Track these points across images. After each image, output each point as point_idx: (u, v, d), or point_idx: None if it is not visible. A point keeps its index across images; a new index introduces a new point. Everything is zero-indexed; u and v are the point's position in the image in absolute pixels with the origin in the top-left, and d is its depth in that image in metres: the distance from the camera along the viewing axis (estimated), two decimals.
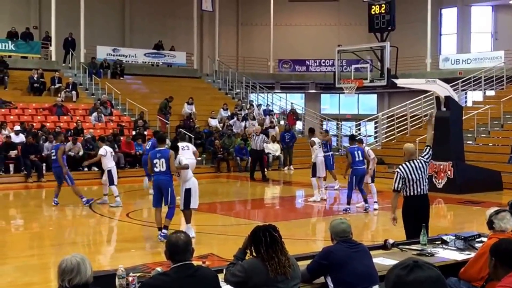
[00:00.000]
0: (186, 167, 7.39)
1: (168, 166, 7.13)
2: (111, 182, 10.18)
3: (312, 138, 11.18)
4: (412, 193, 5.51)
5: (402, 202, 5.63)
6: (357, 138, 10.74)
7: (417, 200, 5.52)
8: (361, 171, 9.52)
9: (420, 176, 5.51)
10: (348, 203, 9.56)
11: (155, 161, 7.18)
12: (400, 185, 5.49)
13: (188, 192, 7.39)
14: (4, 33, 19.46)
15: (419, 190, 5.52)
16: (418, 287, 1.77)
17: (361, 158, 9.56)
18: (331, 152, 11.93)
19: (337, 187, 12.39)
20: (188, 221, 7.44)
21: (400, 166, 5.60)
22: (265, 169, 15.38)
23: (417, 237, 4.71)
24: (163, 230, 7.18)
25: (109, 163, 10.25)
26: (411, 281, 1.77)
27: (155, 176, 7.31)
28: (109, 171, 10.19)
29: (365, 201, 9.65)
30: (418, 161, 5.59)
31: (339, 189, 12.24)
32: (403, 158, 5.69)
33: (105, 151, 10.21)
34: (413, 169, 5.50)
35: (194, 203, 7.45)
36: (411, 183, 5.48)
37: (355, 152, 9.53)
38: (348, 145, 10.62)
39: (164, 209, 7.36)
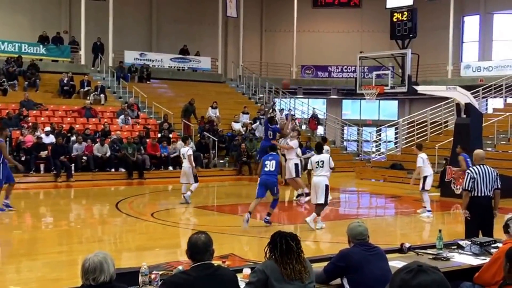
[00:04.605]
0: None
1: (277, 168, 8.64)
2: None
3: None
4: (479, 194, 6.06)
5: (469, 202, 6.12)
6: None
7: (482, 200, 6.07)
8: None
9: (488, 179, 6.06)
10: None
11: (266, 162, 8.66)
12: (470, 185, 6.06)
13: (327, 187, 8.41)
14: (36, 37, 20.16)
15: (485, 191, 6.06)
16: None
17: None
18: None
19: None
20: (318, 213, 8.45)
21: (471, 168, 6.24)
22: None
23: (477, 235, 5.63)
24: (266, 217, 8.56)
25: None
26: (416, 286, 1.76)
27: (264, 175, 8.67)
28: None
29: None
30: (487, 167, 6.15)
31: None
32: (473, 162, 6.42)
33: None
34: (482, 172, 6.07)
35: (321, 198, 8.37)
36: (479, 184, 6.04)
37: None
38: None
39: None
